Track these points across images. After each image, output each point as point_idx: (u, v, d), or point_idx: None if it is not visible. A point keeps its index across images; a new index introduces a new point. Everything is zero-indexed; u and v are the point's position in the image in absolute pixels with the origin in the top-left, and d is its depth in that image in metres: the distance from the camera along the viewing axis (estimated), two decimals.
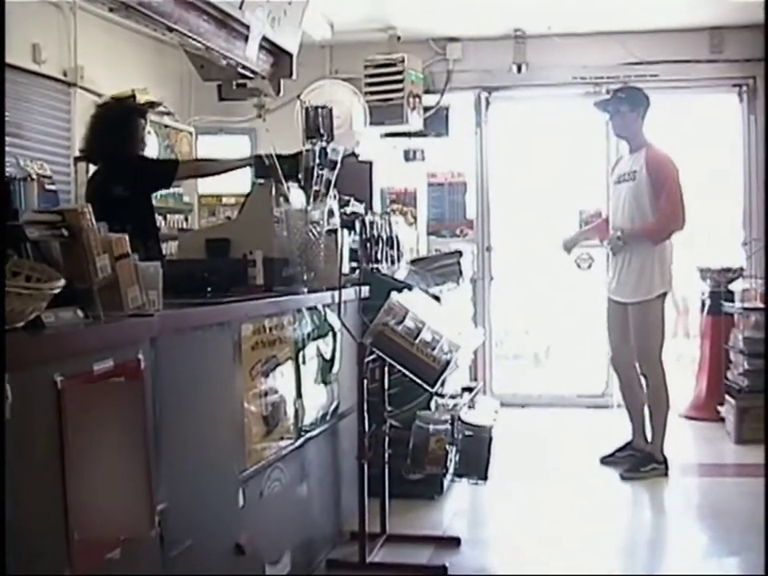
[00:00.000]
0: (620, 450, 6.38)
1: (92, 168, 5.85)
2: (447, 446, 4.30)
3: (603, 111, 6.46)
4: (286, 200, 4.64)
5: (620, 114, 6.23)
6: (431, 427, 4.33)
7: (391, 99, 8.07)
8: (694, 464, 6.60)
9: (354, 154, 7.11)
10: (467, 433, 4.37)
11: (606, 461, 6.36)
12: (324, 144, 4.84)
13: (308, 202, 4.66)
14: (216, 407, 3.38)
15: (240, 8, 4.91)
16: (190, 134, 8.27)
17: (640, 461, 6.14)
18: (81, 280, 2.58)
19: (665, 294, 6.17)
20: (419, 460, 4.31)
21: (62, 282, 2.41)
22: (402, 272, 5.85)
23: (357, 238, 5.32)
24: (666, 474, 6.06)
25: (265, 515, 3.72)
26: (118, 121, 5.36)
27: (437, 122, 8.82)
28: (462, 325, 5.23)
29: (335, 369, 4.70)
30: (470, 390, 6.21)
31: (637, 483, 5.96)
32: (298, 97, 6.06)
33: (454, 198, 9.03)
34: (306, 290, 4.34)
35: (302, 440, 4.22)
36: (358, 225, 5.31)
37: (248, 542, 3.50)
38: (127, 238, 2.83)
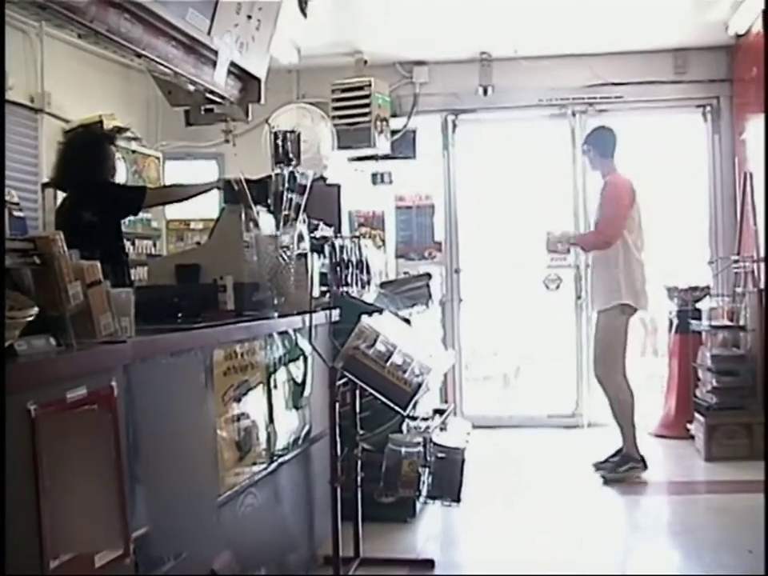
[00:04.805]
0: (612, 456, 6.58)
1: (60, 195, 5.82)
2: (420, 469, 4.29)
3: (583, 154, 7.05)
4: (256, 225, 4.62)
5: (590, 154, 6.77)
6: (403, 450, 4.33)
7: (358, 123, 8.12)
8: (665, 482, 6.62)
9: (322, 178, 7.13)
10: (440, 455, 4.37)
11: (599, 466, 6.56)
12: (292, 168, 4.85)
13: (278, 227, 4.66)
14: (189, 433, 3.37)
15: (208, 34, 4.93)
16: (158, 159, 8.27)
17: (617, 463, 6.47)
18: (53, 307, 2.57)
19: (629, 307, 6.47)
20: (392, 483, 4.30)
21: (35, 310, 2.41)
22: (371, 295, 5.85)
23: (327, 261, 5.32)
24: (645, 469, 6.43)
25: (239, 540, 3.71)
26: (88, 147, 5.33)
27: (404, 145, 8.86)
28: (433, 347, 5.25)
29: (306, 393, 4.69)
30: (441, 412, 6.21)
31: (609, 501, 6.03)
32: (266, 121, 6.07)
33: (422, 221, 9.04)
34: (276, 314, 4.33)
35: (274, 465, 4.21)
36: (327, 249, 5.31)
37: (222, 567, 3.48)
38: (99, 264, 2.82)
